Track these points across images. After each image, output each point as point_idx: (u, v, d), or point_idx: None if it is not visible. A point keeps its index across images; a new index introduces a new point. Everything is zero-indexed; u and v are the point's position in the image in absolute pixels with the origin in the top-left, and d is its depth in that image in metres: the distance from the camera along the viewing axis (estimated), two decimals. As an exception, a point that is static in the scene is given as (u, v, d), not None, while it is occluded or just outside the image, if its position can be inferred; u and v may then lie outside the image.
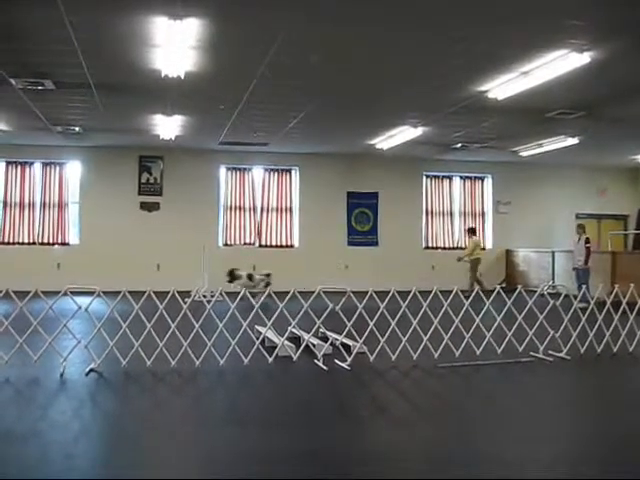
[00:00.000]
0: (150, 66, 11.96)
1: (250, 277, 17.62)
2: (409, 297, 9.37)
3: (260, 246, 22.33)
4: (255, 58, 11.46)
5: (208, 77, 12.58)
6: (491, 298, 9.80)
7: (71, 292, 8.52)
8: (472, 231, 21.37)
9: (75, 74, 12.60)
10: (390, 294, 9.15)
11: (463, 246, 23.31)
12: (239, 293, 9.50)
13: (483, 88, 13.06)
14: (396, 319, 9.28)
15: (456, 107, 14.58)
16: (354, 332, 9.20)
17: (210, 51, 11.17)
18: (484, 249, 22.71)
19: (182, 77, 12.12)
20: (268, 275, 17.64)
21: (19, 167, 21.51)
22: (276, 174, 22.60)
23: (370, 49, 11.00)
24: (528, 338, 9.79)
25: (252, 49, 11.05)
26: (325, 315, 9.17)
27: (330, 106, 15.15)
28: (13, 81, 13.05)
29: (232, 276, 17.43)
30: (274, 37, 10.37)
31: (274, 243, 22.47)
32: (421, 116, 16.00)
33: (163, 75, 12.09)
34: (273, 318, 9.11)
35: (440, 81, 12.72)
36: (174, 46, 10.69)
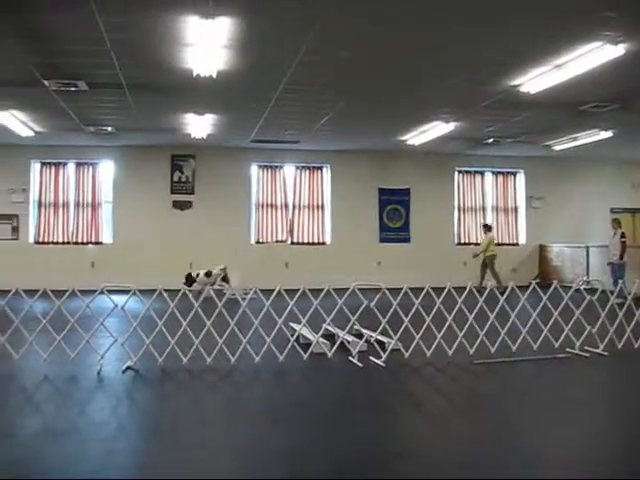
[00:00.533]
0: (182, 65, 12.01)
1: (208, 274, 18.16)
2: (443, 293, 9.33)
3: (292, 243, 22.35)
4: (286, 56, 11.46)
5: (240, 76, 12.59)
6: (526, 294, 9.73)
7: (107, 290, 8.60)
8: (487, 227, 21.26)
9: (108, 75, 12.69)
10: (424, 291, 9.12)
11: (496, 241, 23.22)
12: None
13: (515, 82, 12.94)
14: (431, 315, 9.24)
15: (488, 102, 14.47)
16: (389, 329, 9.18)
17: (241, 50, 11.18)
18: (498, 244, 22.51)
19: (214, 76, 12.15)
20: (224, 269, 18.25)
21: (53, 167, 21.72)
22: (307, 171, 22.60)
23: (401, 45, 10.93)
24: (564, 334, 9.70)
25: (283, 47, 11.05)
26: (360, 312, 9.16)
27: (361, 103, 15.11)
28: (47, 82, 13.17)
29: (189, 280, 17.80)
30: (305, 34, 10.36)
31: (306, 240, 22.47)
32: (453, 111, 15.90)
33: (195, 74, 12.13)
34: (307, 316, 9.13)
35: (472, 76, 12.64)
36: (206, 45, 10.71)
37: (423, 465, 5.27)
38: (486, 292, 9.73)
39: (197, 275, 18.02)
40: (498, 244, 22.19)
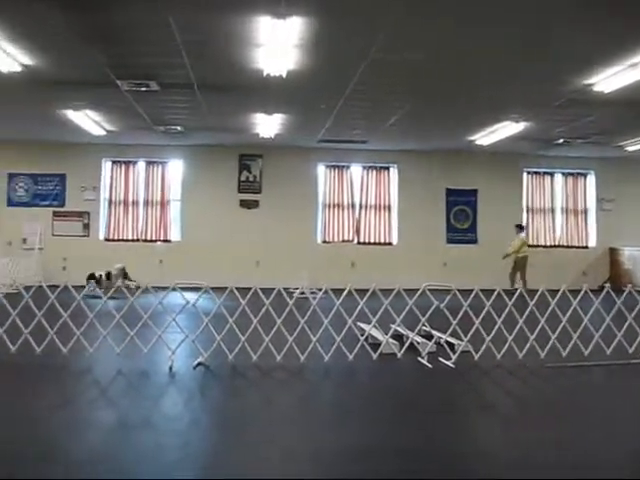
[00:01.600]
0: (252, 65, 12.10)
1: (108, 275, 18.49)
2: (514, 296, 9.21)
3: (358, 243, 22.34)
4: (356, 56, 11.46)
5: (309, 75, 12.63)
6: (600, 297, 9.55)
7: (176, 288, 8.72)
8: (520, 227, 20.60)
9: (179, 75, 12.87)
10: (495, 293, 9.03)
11: (565, 244, 22.89)
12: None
13: (589, 81, 12.70)
14: (502, 317, 9.13)
15: (560, 101, 14.24)
16: (459, 330, 9.10)
17: (312, 49, 11.21)
18: (567, 246, 22.16)
19: (284, 76, 12.22)
20: (123, 269, 18.69)
21: (123, 166, 22.13)
22: (374, 171, 22.55)
23: (473, 44, 10.82)
24: (639, 340, 9.48)
25: (354, 47, 11.05)
26: (430, 313, 9.12)
27: (430, 103, 15.03)
28: (120, 83, 13.40)
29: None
30: (376, 34, 10.35)
31: (372, 240, 22.42)
32: (523, 111, 15.69)
33: (265, 74, 12.22)
34: (377, 316, 9.11)
35: (544, 76, 12.45)
36: (277, 45, 10.77)
37: (496, 466, 5.21)
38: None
39: (100, 276, 18.33)
40: (567, 246, 21.87)
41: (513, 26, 9.97)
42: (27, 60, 11.83)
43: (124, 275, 18.42)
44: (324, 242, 22.24)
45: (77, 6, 9.34)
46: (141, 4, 9.40)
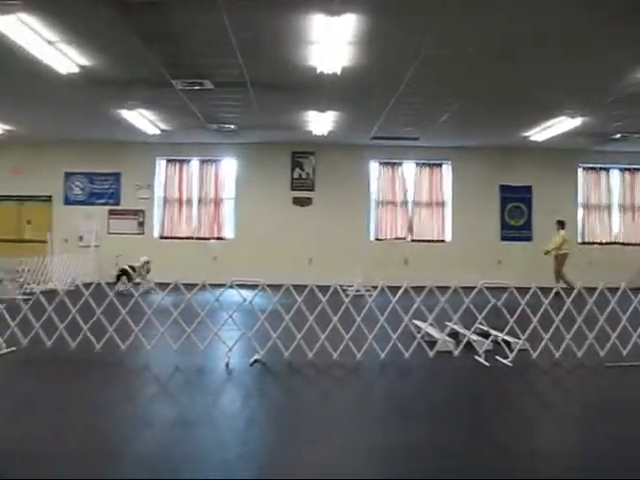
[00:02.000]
0: (306, 63, 12.12)
1: (132, 268, 18.34)
2: (573, 294, 9.07)
3: (412, 241, 22.24)
4: (410, 52, 11.41)
5: (363, 72, 12.60)
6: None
7: (233, 285, 8.77)
8: (561, 224, 19.78)
9: (233, 73, 12.95)
10: (554, 290, 8.90)
11: (621, 241, 22.49)
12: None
13: (648, 75, 12.48)
14: (560, 316, 9.00)
15: (618, 95, 13.99)
16: (516, 328, 9.00)
17: (366, 46, 11.19)
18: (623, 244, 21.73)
19: (338, 73, 12.22)
20: (147, 262, 18.60)
21: (177, 164, 22.35)
22: (427, 168, 22.40)
23: (528, 38, 10.69)
24: None
25: (407, 43, 11.00)
26: (486, 311, 9.05)
27: (483, 98, 14.89)
28: (174, 82, 13.54)
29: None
30: (430, 30, 10.29)
31: (426, 238, 22.28)
32: (579, 106, 15.43)
33: (319, 72, 12.24)
34: (434, 314, 9.07)
35: (602, 69, 12.24)
36: (331, 42, 10.78)
37: (557, 466, 5.14)
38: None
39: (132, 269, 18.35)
40: (624, 244, 21.53)
41: (568, 22, 9.84)
42: (84, 61, 12.03)
43: (147, 270, 18.43)
44: (377, 240, 22.16)
45: (133, 8, 9.47)
46: (196, 4, 9.47)
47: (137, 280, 16.34)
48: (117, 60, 12.17)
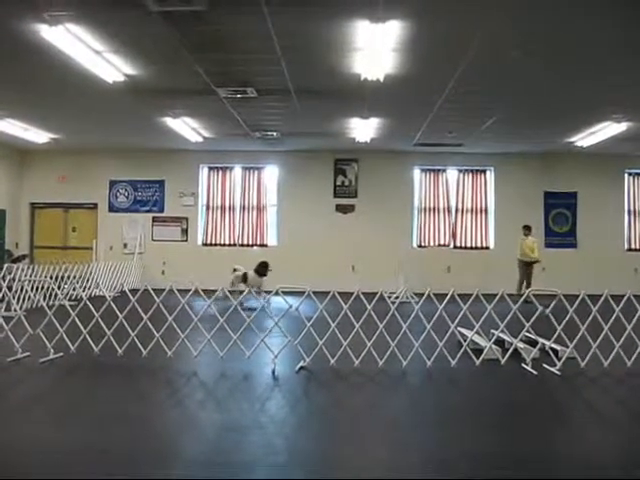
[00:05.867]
0: (350, 70, 12.15)
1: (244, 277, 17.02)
2: (623, 300, 8.93)
3: (455, 247, 22.15)
4: (454, 58, 11.39)
5: (406, 79, 12.60)
6: None
7: (279, 292, 8.79)
8: (529, 229, 19.28)
9: (276, 81, 13.03)
10: (603, 297, 8.77)
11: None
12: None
13: (696, 78, 12.28)
14: (609, 324, 8.86)
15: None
16: (563, 336, 8.88)
17: (409, 53, 11.19)
18: None
19: (381, 80, 12.22)
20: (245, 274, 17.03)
21: (220, 172, 22.52)
22: (470, 175, 22.31)
23: (572, 43, 10.60)
24: None
25: (451, 49, 10.98)
26: (534, 318, 8.96)
27: (527, 104, 14.78)
28: (218, 90, 13.65)
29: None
30: (474, 36, 10.26)
31: (469, 245, 22.20)
32: (626, 111, 15.25)
33: (362, 78, 12.25)
34: (480, 321, 9.01)
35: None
36: (375, 49, 10.79)
37: (604, 475, 5.05)
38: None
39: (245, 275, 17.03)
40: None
41: (612, 25, 9.74)
42: (129, 70, 12.20)
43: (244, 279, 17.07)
44: (420, 246, 22.10)
45: (178, 17, 9.56)
46: (241, 14, 9.54)
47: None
48: (162, 69, 12.31)
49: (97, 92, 13.57)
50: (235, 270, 17.20)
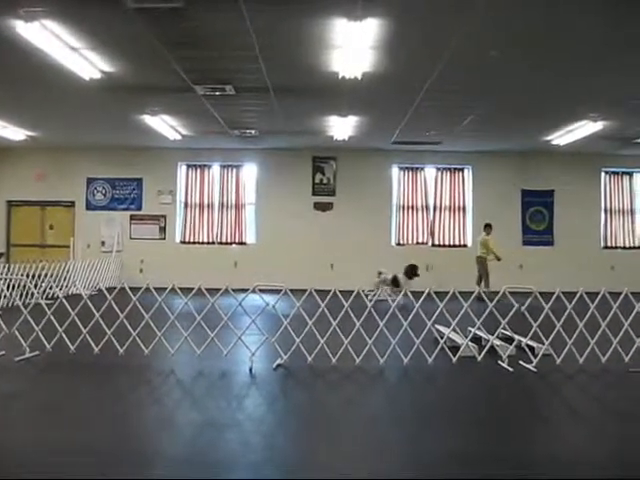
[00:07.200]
0: (328, 68, 12.14)
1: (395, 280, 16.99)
2: (597, 298, 9.00)
3: (433, 245, 22.21)
4: (432, 56, 11.41)
5: (384, 77, 12.61)
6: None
7: (256, 290, 8.78)
8: (490, 227, 19.48)
9: (254, 79, 13.00)
10: (578, 295, 8.85)
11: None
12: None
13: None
14: (584, 321, 8.94)
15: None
16: (540, 333, 8.94)
17: (388, 51, 11.19)
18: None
19: (359, 78, 12.24)
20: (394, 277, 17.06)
21: (198, 170, 22.45)
22: (449, 173, 22.40)
23: (551, 42, 10.65)
24: None
25: (429, 47, 11.00)
26: (510, 316, 9.01)
27: (505, 103, 14.84)
28: (196, 88, 13.60)
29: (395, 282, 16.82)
30: (452, 35, 10.28)
31: (447, 242, 22.29)
32: (603, 109, 15.35)
33: (340, 77, 12.26)
34: (457, 319, 9.05)
35: (628, 72, 12.15)
36: (352, 47, 10.79)
37: (580, 473, 5.08)
38: None
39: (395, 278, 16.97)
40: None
41: (590, 25, 9.80)
42: (106, 67, 12.12)
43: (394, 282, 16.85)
44: (398, 244, 22.16)
45: (155, 14, 9.52)
46: (219, 11, 9.51)
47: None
48: (139, 66, 12.25)
49: (74, 89, 13.48)
50: (380, 274, 17.23)
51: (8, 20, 9.71)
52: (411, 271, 17.03)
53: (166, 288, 9.15)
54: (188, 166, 22.47)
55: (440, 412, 6.90)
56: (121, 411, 6.61)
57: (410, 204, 22.31)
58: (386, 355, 8.78)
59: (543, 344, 9.04)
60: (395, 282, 16.51)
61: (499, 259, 18.66)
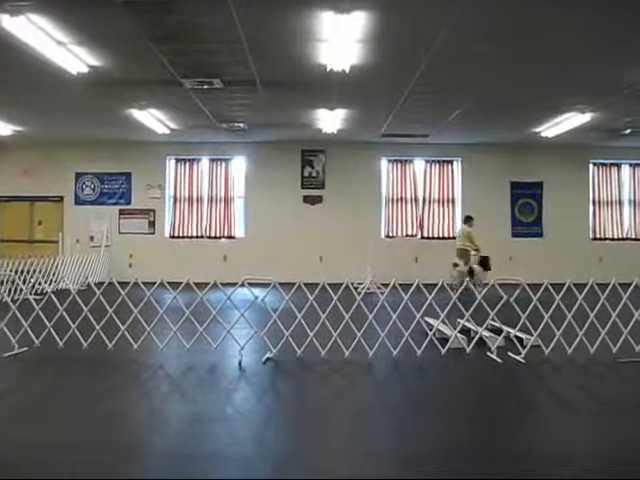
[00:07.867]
0: (315, 61, 12.14)
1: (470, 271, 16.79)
2: (585, 289, 9.02)
3: (422, 238, 22.25)
4: (420, 49, 11.41)
5: (372, 70, 12.63)
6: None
7: (245, 283, 8.78)
8: (471, 219, 18.58)
9: (242, 72, 12.99)
10: (566, 286, 8.87)
11: (633, 236, 22.49)
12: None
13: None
14: (572, 312, 8.98)
15: (630, 90, 13.92)
16: (528, 324, 8.98)
17: (375, 44, 11.21)
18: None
19: (347, 71, 12.23)
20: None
21: (187, 164, 22.41)
22: (438, 165, 22.44)
23: (538, 34, 10.66)
24: None
25: (417, 40, 11.02)
26: (498, 307, 9.03)
27: (494, 95, 14.86)
28: (184, 81, 13.57)
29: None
30: (440, 27, 10.29)
31: (436, 235, 22.32)
32: (590, 101, 15.39)
33: (328, 70, 12.26)
34: (446, 310, 9.08)
35: (615, 64, 12.19)
36: (340, 40, 10.79)
37: (570, 465, 5.10)
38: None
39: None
40: (636, 239, 21.52)
41: (577, 18, 9.83)
42: (94, 61, 12.08)
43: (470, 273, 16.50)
44: (387, 237, 22.19)
45: (142, 7, 9.50)
46: (205, 3, 9.50)
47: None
48: (127, 60, 12.22)
49: (61, 84, 13.42)
50: (456, 265, 17.24)
51: (-7, 14, 9.66)
52: (485, 263, 16.99)
53: (155, 282, 9.14)
54: (177, 160, 22.43)
55: (429, 404, 6.92)
56: (110, 406, 6.59)
57: (399, 197, 22.35)
58: (375, 347, 8.80)
59: (532, 335, 9.09)
60: (471, 273, 16.50)
61: (478, 251, 18.46)
